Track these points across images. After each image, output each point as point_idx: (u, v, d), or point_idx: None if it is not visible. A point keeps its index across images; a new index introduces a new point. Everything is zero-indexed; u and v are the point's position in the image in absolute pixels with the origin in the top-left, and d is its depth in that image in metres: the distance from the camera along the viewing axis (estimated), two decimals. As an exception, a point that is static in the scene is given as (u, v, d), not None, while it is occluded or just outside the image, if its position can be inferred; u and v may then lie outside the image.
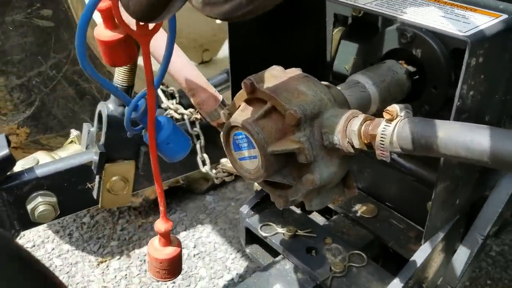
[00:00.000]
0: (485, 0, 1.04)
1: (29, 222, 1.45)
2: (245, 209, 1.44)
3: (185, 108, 1.65)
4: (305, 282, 1.27)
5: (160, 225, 1.09)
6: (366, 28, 1.32)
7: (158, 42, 1.06)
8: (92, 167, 1.50)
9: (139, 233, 2.44)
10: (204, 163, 1.63)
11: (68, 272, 2.24)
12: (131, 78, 1.40)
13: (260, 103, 0.99)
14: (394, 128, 0.87)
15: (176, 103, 1.66)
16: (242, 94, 1.03)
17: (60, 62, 1.96)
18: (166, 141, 1.02)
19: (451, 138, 0.81)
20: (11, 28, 1.80)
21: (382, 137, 0.88)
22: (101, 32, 0.85)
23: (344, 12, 1.36)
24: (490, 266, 2.22)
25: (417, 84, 1.20)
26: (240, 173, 1.05)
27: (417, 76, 1.20)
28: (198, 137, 1.63)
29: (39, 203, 1.43)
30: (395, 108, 0.87)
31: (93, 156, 1.49)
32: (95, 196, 1.55)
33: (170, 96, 1.69)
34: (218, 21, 2.71)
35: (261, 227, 1.40)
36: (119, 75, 1.38)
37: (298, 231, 1.37)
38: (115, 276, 2.22)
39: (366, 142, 0.92)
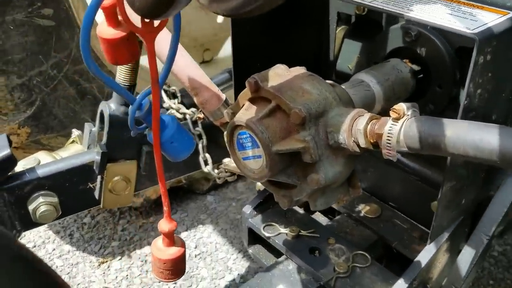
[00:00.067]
0: (492, -3, 1.03)
1: (30, 223, 1.44)
2: (247, 209, 1.43)
3: (187, 108, 1.64)
4: (308, 282, 1.26)
5: (164, 225, 1.08)
6: (369, 27, 1.31)
7: (161, 40, 1.05)
8: (94, 167, 1.49)
9: (140, 234, 2.43)
10: (206, 163, 1.62)
11: (69, 272, 2.23)
12: (133, 77, 1.39)
13: (264, 102, 0.98)
14: (401, 127, 0.86)
15: (178, 103, 1.65)
16: (246, 93, 1.02)
17: (61, 61, 1.96)
18: (170, 140, 1.01)
19: (459, 137, 0.80)
20: (11, 27, 1.80)
21: (388, 136, 0.87)
22: (104, 30, 0.85)
23: (347, 11, 1.35)
24: (492, 266, 2.22)
25: (421, 83, 1.19)
26: (244, 173, 1.04)
27: (422, 75, 1.19)
28: (200, 136, 1.62)
29: (40, 204, 1.42)
30: (402, 106, 0.86)
31: (94, 156, 1.48)
32: (96, 196, 1.55)
33: (172, 95, 1.68)
34: (219, 20, 2.70)
35: (264, 227, 1.39)
36: (121, 74, 1.37)
37: (301, 231, 1.36)
38: (116, 277, 2.21)
39: (372, 141, 0.91)
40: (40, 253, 2.32)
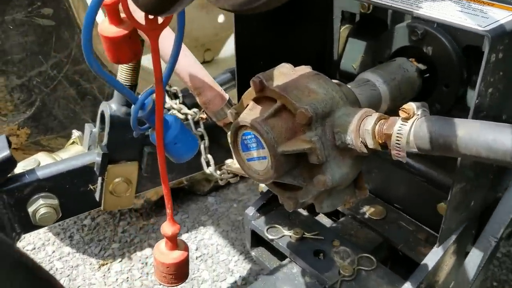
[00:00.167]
0: (503, -6, 1.02)
1: (30, 225, 1.43)
2: (250, 211, 1.41)
3: (189, 108, 1.62)
4: (313, 286, 1.24)
5: (167, 228, 1.06)
6: (374, 26, 1.30)
7: (163, 39, 1.04)
8: (95, 169, 1.47)
9: (140, 235, 2.41)
10: (208, 164, 1.60)
11: (69, 275, 2.21)
12: (135, 77, 1.37)
13: (269, 101, 0.96)
14: (410, 127, 0.84)
15: (180, 103, 1.63)
16: (250, 92, 1.00)
17: (61, 61, 1.95)
18: (173, 141, 0.99)
19: (471, 138, 0.78)
20: (11, 27, 1.79)
21: (398, 137, 0.85)
22: (106, 28, 0.83)
23: (351, 9, 1.34)
24: (496, 268, 2.20)
25: (427, 82, 1.18)
26: (248, 175, 1.02)
27: (428, 74, 1.18)
28: (202, 137, 1.60)
29: (40, 206, 1.40)
30: (411, 106, 0.84)
31: (95, 157, 1.46)
32: (97, 198, 1.53)
33: (173, 95, 1.66)
34: (220, 20, 2.68)
35: (267, 229, 1.37)
36: (122, 73, 1.36)
37: (305, 233, 1.34)
38: (117, 279, 2.20)
39: (380, 142, 0.89)
40: (40, 255, 2.31)
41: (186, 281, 2.12)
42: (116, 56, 0.85)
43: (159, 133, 0.96)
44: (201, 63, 2.76)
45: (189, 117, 1.60)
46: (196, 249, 2.33)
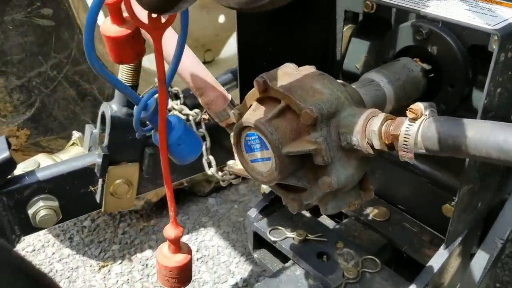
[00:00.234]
0: (512, -8, 1.00)
1: (30, 227, 1.42)
2: (253, 212, 1.39)
3: (190, 109, 1.61)
4: (317, 288, 1.23)
5: (170, 231, 1.04)
6: (378, 25, 1.28)
7: (165, 39, 1.02)
8: (95, 170, 1.46)
9: (140, 237, 2.39)
10: (210, 165, 1.59)
11: (69, 277, 2.20)
12: (136, 78, 1.36)
13: (273, 102, 0.95)
14: (418, 128, 0.83)
15: (181, 104, 1.62)
16: (253, 92, 0.99)
17: (61, 62, 1.94)
18: (177, 142, 0.97)
19: (481, 138, 0.76)
20: (10, 28, 1.78)
21: (405, 137, 0.84)
22: (108, 27, 0.81)
23: (354, 9, 1.32)
24: (499, 269, 2.19)
25: (432, 82, 1.17)
26: (251, 176, 1.01)
27: (433, 74, 1.16)
28: (204, 138, 1.58)
29: (40, 208, 1.39)
30: (419, 106, 0.83)
31: (96, 158, 1.45)
32: (98, 200, 1.52)
33: (174, 96, 1.65)
34: (221, 21, 2.67)
35: (270, 231, 1.35)
36: (123, 74, 1.35)
37: (308, 235, 1.32)
38: (117, 281, 2.18)
39: (387, 142, 0.88)
40: (40, 257, 2.29)
41: (187, 283, 2.13)
42: (118, 57, 0.83)
43: (162, 134, 0.94)
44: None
45: (191, 118, 1.59)
46: (197, 251, 2.32)
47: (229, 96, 1.41)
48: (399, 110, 1.07)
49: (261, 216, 1.40)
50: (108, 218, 2.49)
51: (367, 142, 0.89)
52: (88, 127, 1.57)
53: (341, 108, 0.92)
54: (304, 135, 0.91)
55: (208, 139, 1.59)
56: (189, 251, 1.10)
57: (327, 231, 1.36)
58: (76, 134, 1.68)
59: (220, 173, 1.60)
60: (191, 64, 1.35)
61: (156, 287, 2.15)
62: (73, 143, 1.68)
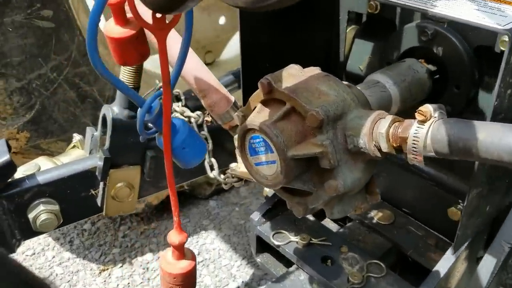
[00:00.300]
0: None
1: (30, 232, 1.41)
2: (256, 216, 1.37)
3: (191, 111, 1.60)
4: (321, 293, 1.21)
5: (174, 236, 1.02)
6: (382, 26, 1.27)
7: (168, 39, 1.01)
8: (96, 173, 1.45)
9: (141, 240, 2.38)
10: (212, 168, 1.57)
11: (69, 280, 2.18)
12: (137, 79, 1.35)
13: (278, 104, 0.93)
14: (428, 130, 0.81)
15: (182, 106, 1.60)
16: (258, 94, 0.97)
17: (61, 64, 1.93)
18: (181, 145, 0.95)
19: (493, 141, 0.74)
20: (10, 29, 1.77)
21: (414, 140, 0.82)
22: (111, 28, 0.80)
23: (358, 9, 1.31)
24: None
25: (438, 84, 1.15)
26: (256, 180, 0.99)
27: (438, 75, 1.15)
28: (206, 140, 1.57)
29: (41, 212, 1.38)
30: (428, 108, 0.81)
31: (97, 161, 1.44)
32: (99, 204, 1.51)
33: (176, 98, 1.64)
34: (221, 22, 2.66)
35: (273, 235, 1.33)
36: (125, 76, 1.33)
37: (312, 239, 1.30)
38: (118, 285, 2.17)
39: (395, 145, 0.86)
40: (40, 261, 2.28)
41: (189, 287, 2.11)
42: (122, 58, 0.82)
43: (167, 138, 0.93)
44: (203, 65, 2.74)
45: (192, 120, 1.57)
46: (198, 254, 2.30)
47: (232, 98, 1.40)
48: (404, 112, 1.05)
49: (264, 219, 1.38)
50: (109, 221, 2.47)
51: (375, 145, 0.88)
52: (89, 130, 1.56)
53: (347, 110, 0.91)
54: (310, 138, 0.90)
55: (210, 141, 1.57)
56: (193, 257, 1.08)
57: (331, 235, 1.34)
58: (76, 137, 1.67)
59: (222, 176, 1.58)
60: (194, 65, 1.33)
61: (157, 291, 2.14)
62: (74, 146, 1.67)
